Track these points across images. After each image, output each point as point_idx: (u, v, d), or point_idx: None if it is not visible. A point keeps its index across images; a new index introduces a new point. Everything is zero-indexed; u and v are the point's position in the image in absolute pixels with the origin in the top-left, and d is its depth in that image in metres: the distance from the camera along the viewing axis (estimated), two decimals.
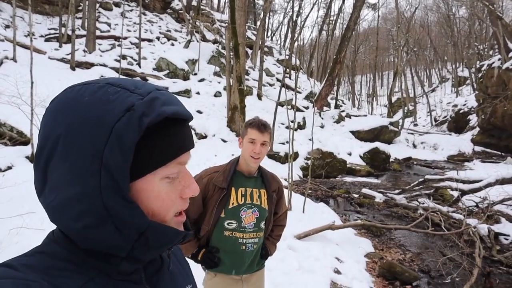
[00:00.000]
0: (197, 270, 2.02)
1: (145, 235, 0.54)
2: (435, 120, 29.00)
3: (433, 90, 41.43)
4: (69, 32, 15.06)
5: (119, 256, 0.56)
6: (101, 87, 0.54)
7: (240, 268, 1.95)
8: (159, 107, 0.53)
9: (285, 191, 6.79)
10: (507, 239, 5.90)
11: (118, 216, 0.51)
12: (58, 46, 15.32)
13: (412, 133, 21.58)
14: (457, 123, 23.58)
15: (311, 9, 47.06)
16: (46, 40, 15.94)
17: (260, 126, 1.91)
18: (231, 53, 12.63)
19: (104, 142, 0.49)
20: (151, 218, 0.56)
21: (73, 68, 12.99)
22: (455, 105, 24.77)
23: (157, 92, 0.56)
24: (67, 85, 0.58)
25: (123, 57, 15.67)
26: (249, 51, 24.88)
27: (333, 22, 34.47)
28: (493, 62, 17.45)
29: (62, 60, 13.67)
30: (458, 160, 16.62)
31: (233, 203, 1.92)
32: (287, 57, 21.86)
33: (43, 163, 0.53)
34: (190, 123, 0.64)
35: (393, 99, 30.41)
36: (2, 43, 12.54)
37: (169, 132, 0.56)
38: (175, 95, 0.61)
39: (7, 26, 14.47)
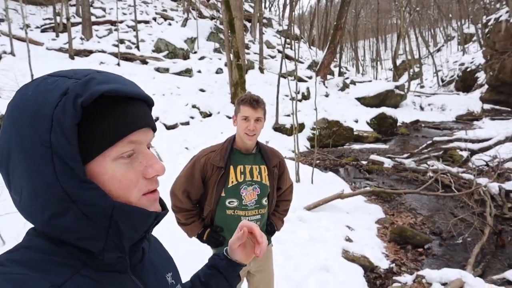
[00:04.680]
0: (206, 251, 2.04)
1: (114, 219, 0.54)
2: (442, 81, 28.43)
3: (438, 50, 40.48)
4: (64, 21, 14.86)
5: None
6: (43, 79, 0.55)
7: None
8: (93, 86, 0.53)
9: (293, 163, 6.79)
10: None
11: (80, 200, 0.52)
12: (55, 36, 15.17)
13: (419, 96, 21.21)
14: (465, 82, 23.09)
15: None
16: (42, 31, 15.77)
17: (252, 102, 1.86)
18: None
19: (48, 130, 0.50)
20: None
21: (72, 57, 12.88)
22: (462, 64, 24.20)
23: (96, 73, 0.56)
24: None
25: (121, 41, 15.48)
26: (248, 24, 24.40)
27: None
28: (501, 16, 16.84)
29: (60, 50, 13.53)
30: (467, 119, 16.39)
31: (232, 182, 1.91)
32: (286, 27, 21.38)
33: (5, 167, 0.55)
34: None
35: (398, 62, 29.74)
36: None
37: (111, 111, 0.55)
38: (122, 76, 0.61)
39: (1, 20, 14.30)
